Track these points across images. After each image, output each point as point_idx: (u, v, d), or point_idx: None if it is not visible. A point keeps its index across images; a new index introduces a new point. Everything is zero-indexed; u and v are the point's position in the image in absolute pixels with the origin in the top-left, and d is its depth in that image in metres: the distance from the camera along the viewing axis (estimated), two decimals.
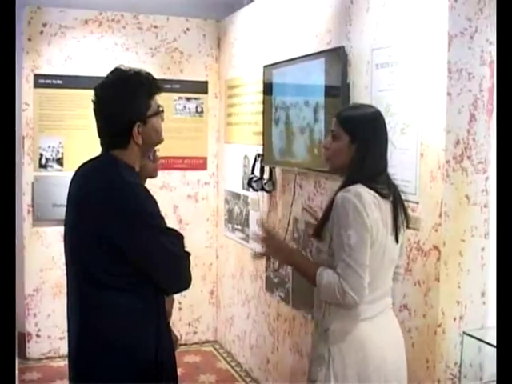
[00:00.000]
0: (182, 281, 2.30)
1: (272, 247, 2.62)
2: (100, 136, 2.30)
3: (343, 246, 2.27)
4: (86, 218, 2.19)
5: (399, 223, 2.39)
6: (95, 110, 2.28)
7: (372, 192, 2.31)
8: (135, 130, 2.23)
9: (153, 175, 2.90)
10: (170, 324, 2.54)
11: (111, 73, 2.31)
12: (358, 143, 2.36)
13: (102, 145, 2.31)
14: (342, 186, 2.37)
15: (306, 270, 2.46)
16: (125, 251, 2.14)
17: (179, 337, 5.36)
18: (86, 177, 2.31)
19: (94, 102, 2.28)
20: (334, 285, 2.27)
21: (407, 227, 2.48)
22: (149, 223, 2.18)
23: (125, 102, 2.22)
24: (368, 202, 2.28)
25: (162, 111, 2.34)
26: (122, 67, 2.31)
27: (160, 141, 2.37)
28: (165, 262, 2.21)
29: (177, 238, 2.28)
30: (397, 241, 2.39)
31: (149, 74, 2.33)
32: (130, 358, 2.20)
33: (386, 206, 2.34)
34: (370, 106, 2.57)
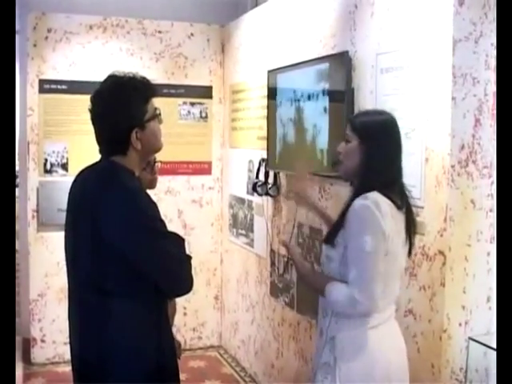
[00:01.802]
0: (184, 284, 2.29)
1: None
2: (99, 143, 2.29)
3: (358, 254, 2.24)
4: (87, 224, 2.18)
5: (412, 235, 2.38)
6: (92, 119, 2.27)
7: (388, 201, 2.29)
8: (133, 135, 2.22)
9: (150, 187, 2.90)
10: (174, 329, 2.53)
11: (105, 80, 2.30)
12: (366, 145, 2.34)
13: (100, 152, 2.31)
14: (356, 192, 2.35)
15: (315, 284, 2.46)
16: (126, 255, 2.14)
17: (183, 342, 5.40)
18: (86, 183, 2.30)
19: (91, 111, 2.27)
20: (343, 297, 2.25)
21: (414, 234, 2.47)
22: (149, 227, 2.18)
23: (120, 108, 2.21)
24: (385, 210, 2.26)
25: (159, 114, 2.32)
26: (117, 73, 2.30)
27: (159, 145, 2.36)
28: (166, 266, 2.21)
29: (178, 241, 2.28)
30: (410, 253, 2.38)
31: (143, 77, 2.31)
32: (132, 362, 2.20)
33: (400, 217, 2.34)
34: (384, 113, 2.52)
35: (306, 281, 2.59)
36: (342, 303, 2.28)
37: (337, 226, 2.39)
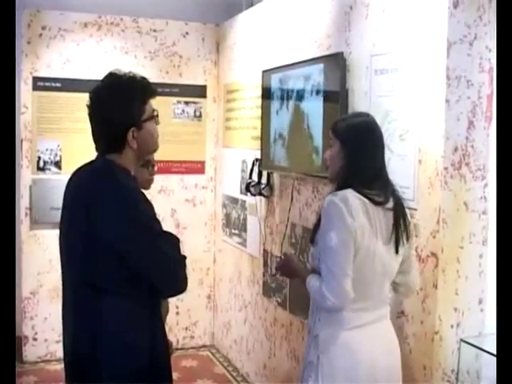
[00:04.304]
0: (179, 284, 2.30)
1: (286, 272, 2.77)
2: (94, 140, 2.30)
3: (325, 249, 2.30)
4: (83, 222, 2.18)
5: (399, 234, 2.39)
6: (90, 115, 2.28)
7: (362, 197, 2.32)
8: (130, 134, 2.23)
9: (146, 187, 2.89)
10: (166, 328, 2.53)
11: (106, 77, 2.31)
12: (345, 148, 2.40)
13: (96, 149, 2.31)
14: (333, 191, 2.41)
15: (303, 279, 2.48)
16: (121, 255, 2.14)
17: (175, 341, 5.40)
18: (82, 181, 2.30)
19: (89, 107, 2.28)
20: (315, 290, 2.33)
21: (407, 240, 2.46)
22: (145, 226, 2.18)
23: (119, 106, 2.22)
24: (354, 206, 2.29)
25: (157, 115, 2.33)
26: (117, 71, 2.30)
27: (155, 146, 2.37)
28: (161, 265, 2.21)
29: (173, 241, 2.29)
30: (396, 251, 2.39)
31: (143, 78, 2.32)
32: (125, 360, 2.21)
33: (378, 213, 2.35)
34: (364, 115, 2.59)
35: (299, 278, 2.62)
36: (315, 297, 2.36)
37: (317, 225, 2.45)
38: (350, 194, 2.32)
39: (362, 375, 2.33)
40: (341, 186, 2.39)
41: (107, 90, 2.26)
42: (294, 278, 2.77)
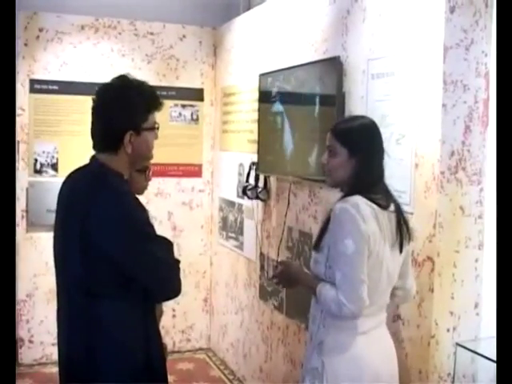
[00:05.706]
0: (172, 288, 2.31)
1: (285, 280, 2.66)
2: (92, 136, 2.31)
3: (340, 257, 2.27)
4: (76, 226, 2.18)
5: (403, 235, 2.39)
6: (93, 109, 2.30)
7: (370, 203, 2.31)
8: (127, 137, 2.23)
9: (141, 193, 2.90)
10: (162, 331, 2.54)
11: (116, 78, 2.33)
12: (357, 156, 2.36)
13: (94, 147, 2.32)
14: (343, 197, 2.38)
15: (309, 287, 2.44)
16: (114, 259, 2.15)
17: (172, 344, 5.40)
18: (76, 185, 2.31)
19: (94, 101, 2.30)
20: (330, 298, 2.27)
21: (409, 241, 2.45)
22: (137, 230, 2.19)
23: (123, 107, 2.23)
24: (366, 212, 2.27)
25: (157, 128, 2.35)
26: (129, 76, 2.33)
27: (149, 156, 2.38)
28: (154, 270, 2.22)
29: (166, 245, 2.29)
30: (400, 251, 2.39)
31: (151, 87, 2.35)
32: (120, 364, 2.21)
33: (384, 217, 2.34)
34: (364, 117, 2.57)
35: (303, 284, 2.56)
36: (329, 305, 2.29)
37: (322, 231, 2.41)
38: (360, 200, 2.30)
39: (366, 381, 2.32)
40: (349, 192, 2.37)
41: (115, 90, 2.29)
42: (293, 287, 2.67)
